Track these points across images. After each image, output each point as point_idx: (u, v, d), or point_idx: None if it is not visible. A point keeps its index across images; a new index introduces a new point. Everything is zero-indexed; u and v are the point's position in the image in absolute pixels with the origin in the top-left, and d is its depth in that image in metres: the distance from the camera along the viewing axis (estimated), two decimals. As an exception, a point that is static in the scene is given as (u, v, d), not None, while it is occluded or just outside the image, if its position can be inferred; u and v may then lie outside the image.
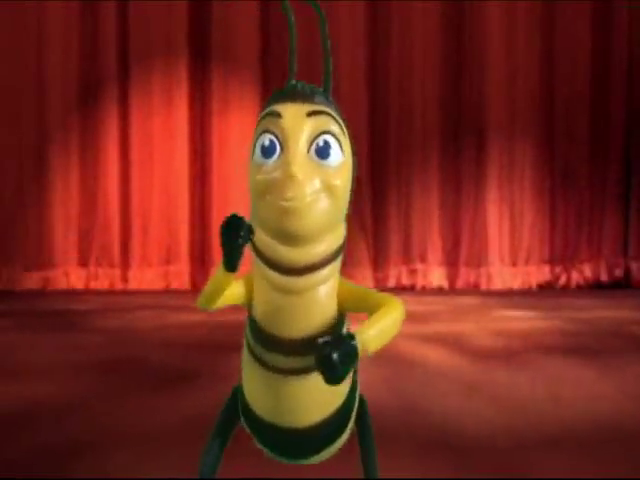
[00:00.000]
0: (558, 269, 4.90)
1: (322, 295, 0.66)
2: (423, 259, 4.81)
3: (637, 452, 1.26)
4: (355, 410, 0.73)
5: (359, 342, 0.60)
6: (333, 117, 0.64)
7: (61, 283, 4.66)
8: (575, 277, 4.89)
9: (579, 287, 4.84)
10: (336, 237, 0.66)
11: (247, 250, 0.66)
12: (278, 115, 0.63)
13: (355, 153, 0.66)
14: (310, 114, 0.63)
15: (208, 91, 4.80)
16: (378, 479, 0.75)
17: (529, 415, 1.50)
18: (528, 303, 3.90)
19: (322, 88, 0.67)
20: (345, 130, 0.65)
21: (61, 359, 2.12)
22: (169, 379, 1.83)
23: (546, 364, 2.06)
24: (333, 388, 0.63)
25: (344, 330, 0.68)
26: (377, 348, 0.63)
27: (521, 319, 3.16)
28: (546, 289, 4.82)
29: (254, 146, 0.64)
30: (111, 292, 4.57)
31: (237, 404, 0.74)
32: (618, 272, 4.85)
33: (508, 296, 4.36)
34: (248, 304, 0.70)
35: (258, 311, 0.68)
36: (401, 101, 4.89)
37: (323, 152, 0.62)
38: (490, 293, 4.59)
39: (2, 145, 4.72)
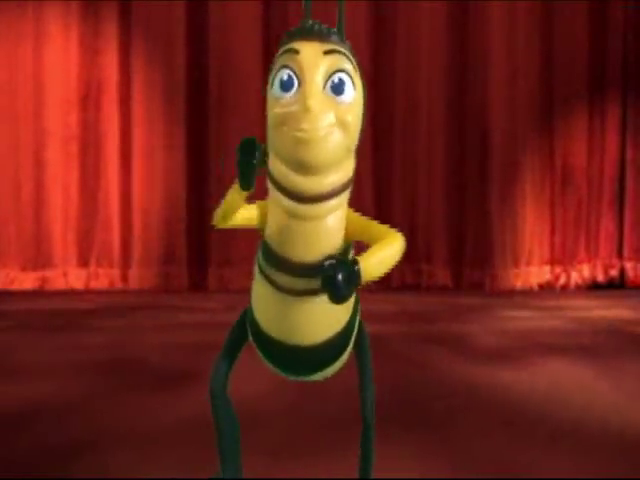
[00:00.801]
0: (558, 270, 4.93)
1: (331, 223, 0.70)
2: (428, 259, 4.82)
3: (637, 452, 1.26)
4: (355, 334, 0.79)
5: (361, 267, 0.66)
6: (347, 56, 0.68)
7: (59, 283, 4.65)
8: (574, 277, 4.93)
9: (577, 287, 4.89)
10: (346, 170, 0.70)
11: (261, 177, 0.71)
12: (296, 52, 0.66)
13: (366, 91, 0.70)
14: (326, 52, 0.66)
15: (206, 92, 4.80)
16: (373, 396, 0.80)
17: (529, 415, 1.50)
18: (529, 303, 3.90)
19: (337, 28, 0.70)
20: (357, 69, 0.69)
21: (61, 359, 2.12)
22: (169, 379, 1.83)
23: (546, 364, 2.07)
24: (336, 312, 0.70)
25: (350, 256, 0.72)
26: (376, 275, 0.68)
27: (522, 319, 3.17)
28: (546, 289, 4.85)
29: (272, 80, 0.68)
30: (111, 292, 4.57)
31: (245, 325, 0.80)
32: (613, 272, 4.96)
33: (509, 296, 4.36)
34: (262, 228, 0.75)
35: (271, 235, 0.72)
36: (406, 101, 4.89)
37: (338, 88, 0.66)
38: (493, 293, 4.59)
39: (0, 144, 4.71)
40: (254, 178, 0.71)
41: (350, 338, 0.78)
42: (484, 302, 3.96)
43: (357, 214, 0.74)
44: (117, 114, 4.79)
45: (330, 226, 0.71)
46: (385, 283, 4.59)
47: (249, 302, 0.79)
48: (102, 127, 4.80)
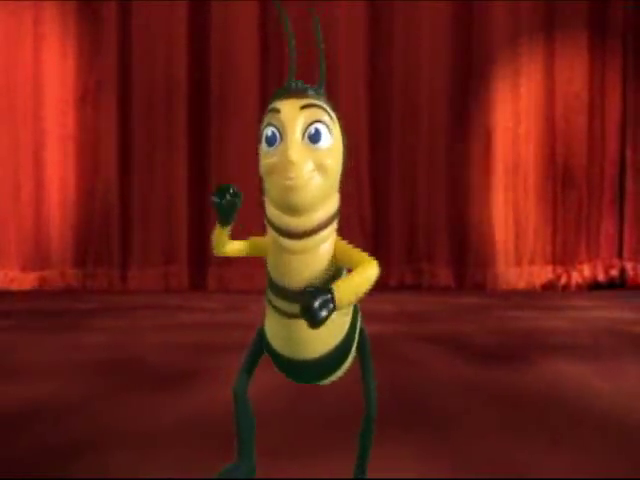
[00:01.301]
0: (559, 270, 4.94)
1: (319, 254, 0.80)
2: (430, 259, 4.82)
3: (637, 452, 1.26)
4: (356, 340, 0.88)
5: (335, 294, 0.73)
6: (323, 108, 0.76)
7: (58, 283, 4.65)
8: (575, 278, 4.94)
9: (578, 287, 4.90)
10: (330, 206, 0.79)
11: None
12: (277, 111, 0.75)
13: (345, 137, 0.78)
14: (303, 107, 0.75)
15: (207, 92, 4.80)
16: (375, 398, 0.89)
17: (529, 415, 1.50)
18: (530, 303, 3.90)
19: (318, 84, 0.79)
20: (335, 118, 0.77)
21: (61, 359, 2.12)
22: (169, 379, 1.83)
23: (546, 364, 2.07)
24: (334, 327, 0.80)
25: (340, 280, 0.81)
26: (351, 300, 0.76)
27: (522, 319, 3.17)
28: (548, 289, 4.85)
29: (261, 136, 0.77)
30: (110, 292, 4.57)
31: (260, 341, 0.90)
32: (614, 272, 4.99)
33: (510, 296, 4.37)
34: (266, 260, 0.85)
35: (271, 267, 0.83)
36: (405, 100, 4.89)
37: (314, 137, 0.75)
38: (494, 293, 4.59)
39: (-1, 143, 4.72)
40: (228, 216, 0.84)
41: (351, 346, 0.87)
42: (485, 302, 3.96)
43: (343, 242, 0.82)
44: (116, 114, 4.79)
45: (320, 256, 0.80)
46: (386, 283, 4.60)
47: (262, 321, 0.89)
48: (101, 127, 4.80)
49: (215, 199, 0.82)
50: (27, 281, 4.64)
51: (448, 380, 1.85)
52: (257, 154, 0.79)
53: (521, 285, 4.86)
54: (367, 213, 4.76)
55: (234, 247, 0.91)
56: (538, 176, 4.98)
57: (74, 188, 4.78)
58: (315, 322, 0.71)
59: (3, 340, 2.54)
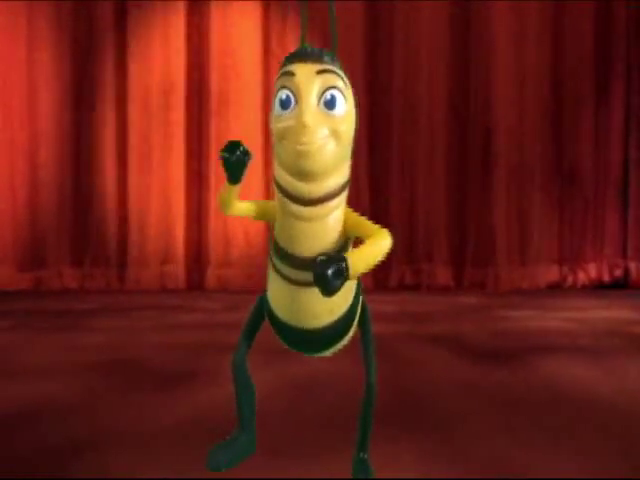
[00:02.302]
0: (564, 270, 4.93)
1: (330, 222, 0.79)
2: (430, 259, 4.82)
3: (637, 452, 1.26)
4: (358, 315, 0.88)
5: (350, 262, 0.73)
6: (338, 74, 0.76)
7: (55, 283, 4.65)
8: (580, 278, 4.93)
9: (583, 287, 4.89)
10: (342, 174, 0.79)
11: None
12: (292, 74, 0.75)
13: (357, 104, 0.79)
14: (319, 72, 0.75)
15: (206, 91, 4.80)
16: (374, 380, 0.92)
17: (529, 415, 1.50)
18: (532, 303, 3.90)
19: (330, 49, 0.79)
20: (348, 85, 0.77)
21: (61, 359, 2.12)
22: (168, 379, 1.83)
23: (546, 364, 2.06)
24: (338, 298, 0.78)
25: (348, 250, 0.81)
26: (364, 269, 0.76)
27: (523, 319, 3.17)
28: (553, 290, 4.84)
29: (274, 100, 0.77)
30: (108, 292, 4.56)
31: (261, 309, 0.91)
32: (618, 272, 4.96)
33: (512, 296, 4.36)
34: (272, 226, 0.84)
35: (279, 233, 0.82)
36: (404, 100, 4.89)
37: (330, 104, 0.75)
38: (495, 293, 4.59)
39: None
40: (239, 173, 0.83)
41: (353, 319, 0.87)
42: (486, 302, 3.96)
43: (353, 212, 0.82)
44: (114, 114, 4.79)
45: (329, 225, 0.79)
46: (385, 283, 4.60)
47: (264, 290, 0.89)
48: (98, 127, 4.79)
49: (224, 154, 0.81)
50: (23, 281, 4.63)
51: (448, 380, 1.85)
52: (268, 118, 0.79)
53: (524, 285, 4.85)
54: (366, 213, 4.76)
55: (242, 206, 0.89)
56: (542, 175, 4.97)
57: (71, 188, 4.77)
58: (329, 290, 0.71)
59: (3, 340, 2.54)
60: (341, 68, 0.78)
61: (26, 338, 2.57)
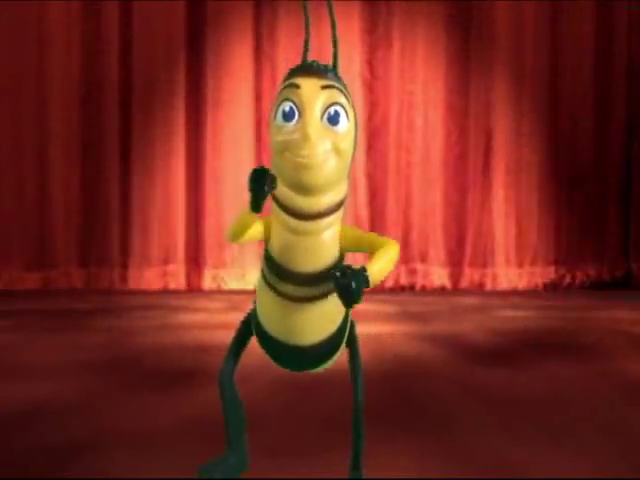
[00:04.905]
0: (563, 270, 4.92)
1: (327, 238, 0.79)
2: (426, 259, 4.81)
3: (637, 452, 1.26)
4: (347, 334, 0.88)
5: (369, 273, 0.74)
6: (342, 91, 0.77)
7: (62, 283, 4.66)
8: (579, 277, 4.92)
9: (583, 287, 4.87)
10: (340, 190, 0.80)
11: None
12: (297, 86, 0.75)
13: (358, 121, 0.79)
14: (324, 87, 0.75)
15: (203, 93, 4.81)
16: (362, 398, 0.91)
17: (528, 415, 1.50)
18: (531, 303, 3.90)
19: (332, 66, 0.80)
20: (351, 102, 0.78)
21: (61, 359, 2.12)
22: (168, 379, 1.83)
23: (546, 364, 2.06)
24: (331, 315, 0.79)
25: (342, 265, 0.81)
26: (381, 278, 0.78)
27: (522, 319, 3.17)
28: (552, 289, 4.83)
29: (276, 111, 0.76)
30: (110, 292, 4.57)
31: (249, 324, 0.90)
32: (619, 272, 4.94)
33: (511, 296, 4.36)
34: (265, 241, 0.84)
35: (274, 248, 0.81)
36: (401, 100, 4.89)
37: (334, 119, 0.75)
38: (494, 293, 4.59)
39: (2, 144, 4.71)
40: (264, 202, 0.80)
41: (343, 337, 0.87)
42: (484, 302, 3.96)
43: (352, 228, 0.83)
44: (117, 114, 4.79)
45: (327, 240, 0.79)
46: (382, 284, 4.57)
47: (253, 304, 0.88)
48: (103, 127, 4.80)
49: (255, 186, 0.78)
50: (31, 281, 4.64)
51: (447, 380, 1.85)
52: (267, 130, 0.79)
53: (522, 285, 4.84)
54: (363, 213, 4.75)
55: (252, 232, 0.86)
56: (541, 175, 4.96)
57: (77, 188, 4.77)
58: (353, 301, 0.72)
59: (3, 340, 2.54)
60: (345, 86, 0.78)
61: (27, 338, 2.57)
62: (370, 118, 4.81)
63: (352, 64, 4.72)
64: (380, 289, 4.31)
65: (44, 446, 1.26)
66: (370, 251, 0.80)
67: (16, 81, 4.71)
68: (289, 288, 0.79)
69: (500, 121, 4.90)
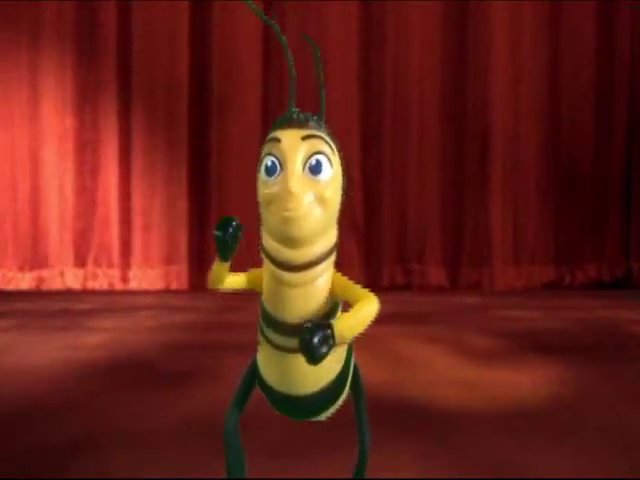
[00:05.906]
0: (562, 269, 4.92)
1: (317, 287, 0.78)
2: (424, 259, 4.81)
3: (637, 452, 1.26)
4: (350, 377, 0.86)
5: (336, 329, 0.71)
6: (324, 139, 0.76)
7: (56, 283, 4.65)
8: (579, 277, 4.91)
9: (583, 287, 4.86)
10: (328, 240, 0.78)
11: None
12: (278, 140, 0.75)
13: (345, 169, 0.78)
14: (304, 138, 0.75)
15: (208, 92, 4.80)
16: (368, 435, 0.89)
17: (528, 415, 1.50)
18: (530, 303, 3.90)
19: (317, 114, 0.78)
20: (335, 149, 0.77)
21: (61, 359, 2.12)
22: (169, 379, 1.83)
23: (546, 364, 2.06)
24: (329, 363, 0.75)
25: (338, 314, 0.80)
26: (351, 335, 0.75)
27: (521, 319, 3.16)
28: (551, 289, 4.83)
29: (260, 166, 0.76)
30: (110, 292, 4.57)
31: (253, 374, 0.88)
32: (619, 272, 4.94)
33: (510, 296, 4.36)
34: (259, 293, 0.83)
35: (266, 299, 0.81)
36: (397, 100, 4.89)
37: (315, 169, 0.74)
38: (492, 293, 4.59)
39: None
40: (230, 251, 0.82)
41: (344, 385, 0.86)
42: (483, 302, 3.96)
43: (341, 276, 0.81)
44: (116, 113, 4.79)
45: (316, 290, 0.78)
46: (378, 283, 4.59)
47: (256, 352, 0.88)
48: (101, 126, 4.79)
49: (218, 233, 0.80)
50: (25, 281, 4.64)
51: (447, 380, 1.85)
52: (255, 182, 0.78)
53: (520, 285, 4.84)
54: (359, 213, 4.76)
55: (232, 280, 0.88)
56: (540, 174, 4.96)
57: (73, 187, 4.77)
58: (315, 358, 0.70)
59: (3, 340, 2.54)
60: (329, 134, 0.77)
61: (26, 338, 2.57)
62: (366, 117, 4.81)
63: (348, 63, 4.72)
64: (377, 289, 4.30)
65: (44, 446, 1.26)
66: (350, 303, 0.78)
67: (8, 78, 4.70)
68: (282, 339, 0.79)
69: (497, 121, 4.90)
